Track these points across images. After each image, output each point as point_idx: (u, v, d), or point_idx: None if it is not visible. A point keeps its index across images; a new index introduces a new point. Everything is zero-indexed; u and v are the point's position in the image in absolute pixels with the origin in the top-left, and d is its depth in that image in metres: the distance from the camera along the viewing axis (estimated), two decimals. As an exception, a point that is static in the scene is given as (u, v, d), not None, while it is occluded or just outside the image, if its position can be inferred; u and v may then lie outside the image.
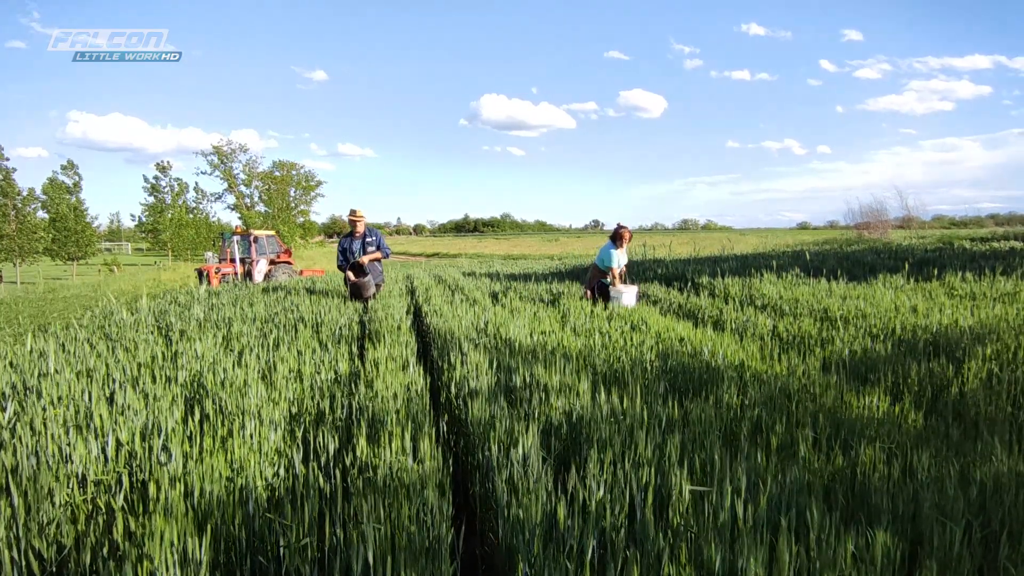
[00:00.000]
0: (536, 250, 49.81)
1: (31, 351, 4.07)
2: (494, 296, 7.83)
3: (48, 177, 34.19)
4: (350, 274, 7.00)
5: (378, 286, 7.20)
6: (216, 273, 15.80)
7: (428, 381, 3.51)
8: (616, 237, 6.72)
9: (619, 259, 6.72)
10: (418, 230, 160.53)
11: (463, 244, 73.61)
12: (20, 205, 27.62)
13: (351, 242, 7.09)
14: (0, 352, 4.11)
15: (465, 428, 2.93)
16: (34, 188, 30.08)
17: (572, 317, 5.68)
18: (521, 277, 11.75)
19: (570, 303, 6.88)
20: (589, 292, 6.92)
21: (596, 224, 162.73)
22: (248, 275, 16.62)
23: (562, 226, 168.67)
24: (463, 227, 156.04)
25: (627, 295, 6.56)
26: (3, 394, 3.19)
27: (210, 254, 26.58)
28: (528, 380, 3.34)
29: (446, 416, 3.41)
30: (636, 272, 10.75)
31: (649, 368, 3.87)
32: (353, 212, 6.97)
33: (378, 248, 7.13)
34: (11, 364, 3.75)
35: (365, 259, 6.93)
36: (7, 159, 27.60)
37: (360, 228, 7.01)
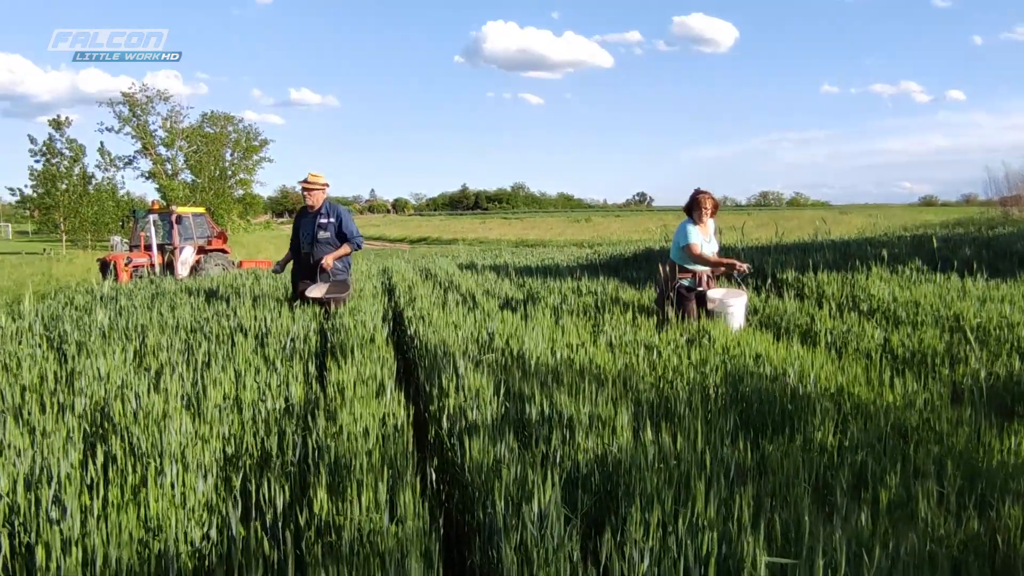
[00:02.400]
0: (559, 234, 49.87)
1: None
2: (507, 302, 7.82)
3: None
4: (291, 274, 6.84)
5: (337, 300, 6.63)
6: (126, 265, 15.98)
7: (411, 412, 3.52)
8: (693, 207, 6.27)
9: (701, 240, 6.20)
10: (399, 207, 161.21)
11: (460, 226, 73.86)
12: None
13: (301, 222, 6.86)
14: None
15: (461, 476, 2.93)
16: None
17: (607, 325, 5.68)
18: (538, 272, 11.76)
19: (606, 304, 6.88)
20: (663, 297, 6.33)
21: (642, 198, 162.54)
22: (169, 267, 16.79)
23: (595, 201, 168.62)
24: (460, 203, 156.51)
25: (735, 308, 5.97)
26: None
27: (117, 239, 26.89)
28: (547, 411, 3.34)
29: (435, 459, 3.41)
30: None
31: (713, 396, 3.85)
32: (305, 178, 6.71)
33: (340, 235, 6.71)
34: None
35: (328, 259, 6.59)
36: None
37: (314, 201, 6.69)
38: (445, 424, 3.42)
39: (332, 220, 6.72)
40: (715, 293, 6.19)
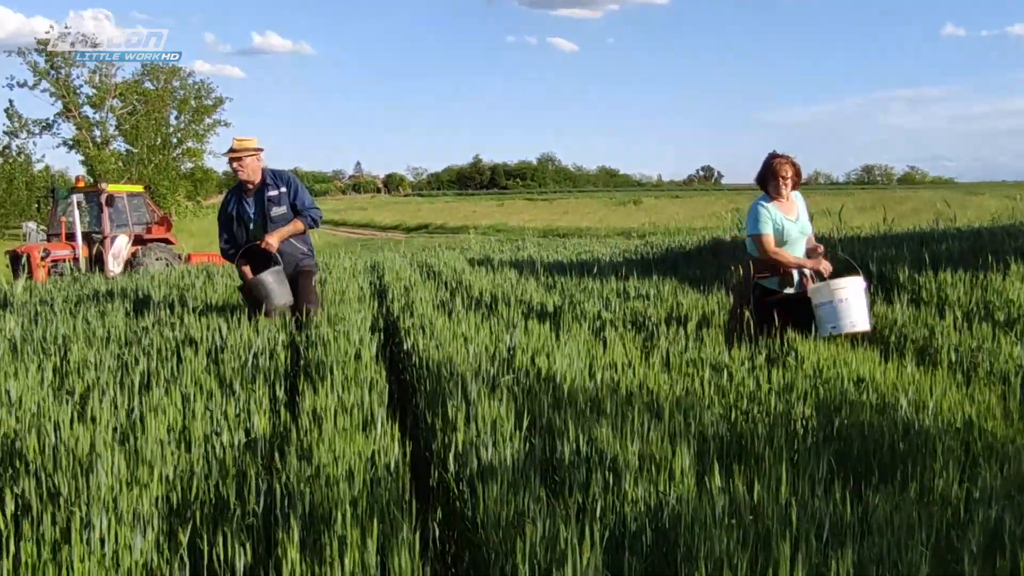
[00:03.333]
0: (600, 220, 49.96)
1: None
2: (532, 309, 7.83)
3: None
4: (246, 270, 6.53)
5: (302, 306, 6.42)
6: (42, 259, 16.16)
7: (408, 449, 3.54)
8: (768, 177, 5.97)
9: (781, 221, 5.90)
10: (393, 185, 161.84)
11: (472, 209, 74.13)
12: None
13: (238, 202, 6.64)
14: None
15: (472, 532, 2.94)
16: None
17: (662, 339, 5.67)
18: (573, 269, 11.77)
19: (657, 315, 6.86)
20: (741, 310, 6.01)
21: (708, 173, 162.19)
22: (97, 261, 16.96)
23: (646, 178, 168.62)
24: (472, 180, 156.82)
25: (848, 293, 5.57)
26: None
27: (32, 225, 27.11)
28: (584, 450, 3.34)
29: (439, 510, 3.42)
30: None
31: (800, 431, 3.83)
32: (233, 144, 6.49)
33: (294, 210, 6.57)
34: None
35: (273, 239, 6.35)
36: None
37: (250, 172, 6.48)
38: (452, 466, 3.43)
39: (283, 191, 6.56)
40: (820, 287, 5.74)
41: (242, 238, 6.58)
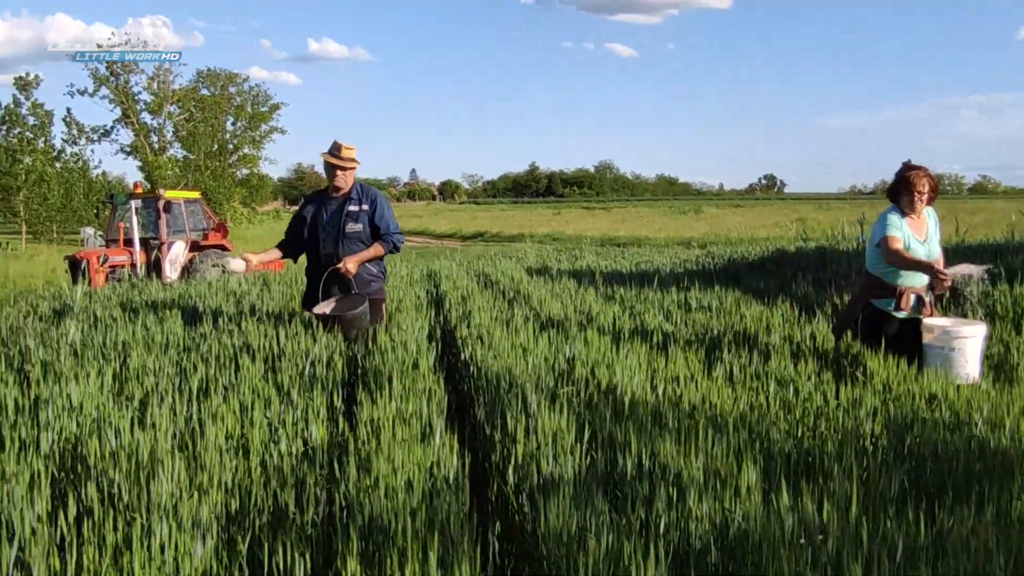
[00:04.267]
0: (659, 229, 49.59)
1: None
2: (590, 319, 7.81)
3: None
4: (267, 258, 6.50)
5: (355, 322, 6.05)
6: (101, 264, 16.46)
7: (468, 461, 3.54)
8: (901, 190, 5.64)
9: (909, 237, 5.58)
10: (447, 192, 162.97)
11: (528, 218, 74.08)
12: None
13: (319, 208, 6.42)
14: None
15: (532, 547, 2.94)
16: None
17: (725, 352, 5.63)
18: (633, 279, 11.72)
19: (720, 327, 6.81)
20: (850, 332, 5.82)
21: (770, 182, 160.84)
22: (155, 267, 17.24)
23: (706, 186, 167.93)
24: (528, 187, 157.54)
25: (968, 342, 5.28)
26: None
27: (90, 231, 27.69)
28: (647, 465, 3.33)
29: (497, 524, 3.43)
30: (845, 269, 10.49)
31: (870, 448, 3.79)
32: (336, 148, 6.30)
33: (374, 232, 6.32)
34: None
35: (351, 263, 6.14)
36: None
37: (343, 181, 6.32)
38: (511, 478, 3.43)
39: (365, 208, 6.31)
40: (937, 321, 5.52)
41: (312, 247, 6.42)
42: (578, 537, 2.70)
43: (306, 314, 6.44)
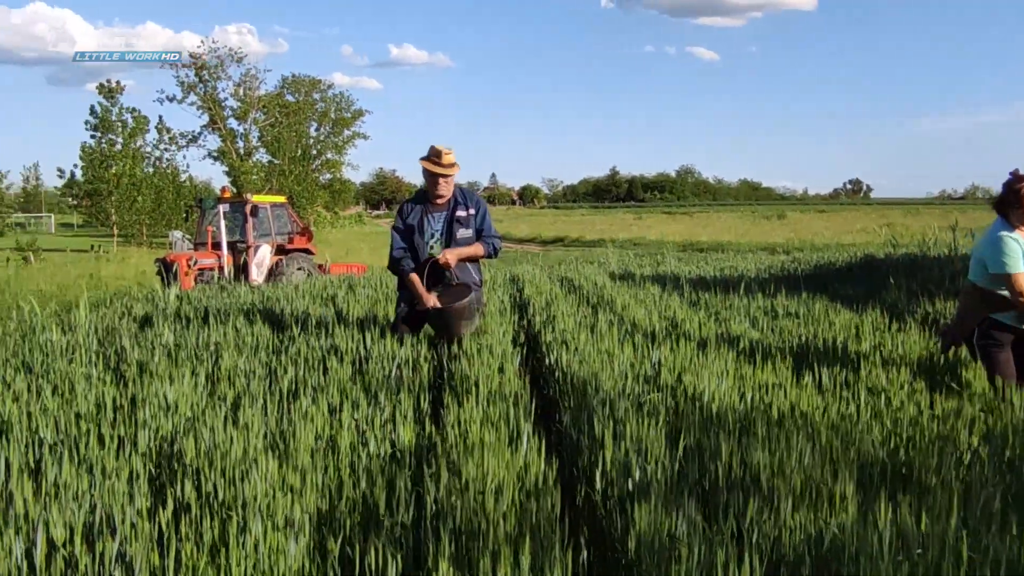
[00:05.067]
0: (742, 234, 48.96)
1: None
2: (676, 325, 7.75)
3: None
4: (421, 290, 5.97)
5: (459, 314, 5.91)
6: (191, 267, 16.85)
7: (556, 466, 3.55)
8: (1011, 202, 5.16)
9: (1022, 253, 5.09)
10: (527, 197, 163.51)
11: (608, 222, 73.96)
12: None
13: (422, 215, 6.16)
14: None
15: (622, 554, 2.94)
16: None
17: (815, 359, 5.56)
18: (717, 284, 11.61)
19: (808, 334, 6.71)
20: (957, 345, 5.58)
21: (855, 187, 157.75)
22: (242, 270, 17.59)
23: (789, 191, 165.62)
24: (608, 192, 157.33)
25: None
26: None
27: (178, 234, 28.39)
28: (737, 473, 3.30)
29: (585, 529, 3.43)
30: (937, 276, 10.25)
31: (965, 458, 3.71)
32: (436, 155, 6.03)
33: (477, 234, 6.20)
34: None
35: (451, 256, 5.90)
36: None
37: (445, 189, 6.12)
38: (599, 483, 3.44)
39: (472, 212, 6.20)
40: None
41: (416, 257, 6.11)
42: (669, 545, 2.69)
43: (404, 328, 6.22)
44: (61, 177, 51.87)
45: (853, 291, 10.51)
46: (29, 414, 4.21)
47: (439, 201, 6.15)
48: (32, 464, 3.62)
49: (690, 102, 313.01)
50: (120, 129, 46.83)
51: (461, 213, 6.12)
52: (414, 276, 6.02)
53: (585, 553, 3.03)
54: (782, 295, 9.34)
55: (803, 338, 6.62)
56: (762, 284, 11.42)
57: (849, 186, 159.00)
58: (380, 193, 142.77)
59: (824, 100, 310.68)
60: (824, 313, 8.07)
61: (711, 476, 3.36)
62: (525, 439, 3.73)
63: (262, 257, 17.82)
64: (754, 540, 2.82)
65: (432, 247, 6.09)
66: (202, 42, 48.54)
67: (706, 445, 3.66)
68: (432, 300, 5.96)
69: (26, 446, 3.76)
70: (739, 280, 11.85)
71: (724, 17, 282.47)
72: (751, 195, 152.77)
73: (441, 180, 6.05)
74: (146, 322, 7.41)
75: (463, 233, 6.11)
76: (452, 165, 6.05)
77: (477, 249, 6.15)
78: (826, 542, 2.73)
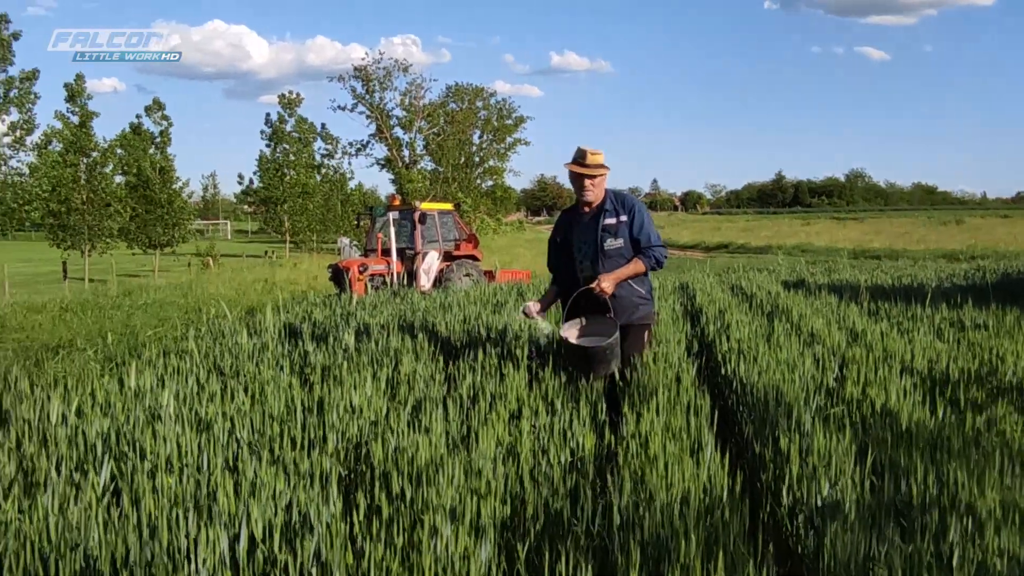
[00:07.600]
0: (917, 241, 47.17)
1: (127, 389, 4.91)
2: (856, 336, 7.52)
3: (130, 123, 40.81)
4: (537, 317, 5.71)
5: (628, 356, 5.35)
6: (362, 273, 17.38)
7: (741, 478, 3.52)
8: None
9: None
10: (690, 203, 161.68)
11: (774, 228, 72.43)
12: (95, 164, 33.05)
13: (571, 227, 5.73)
14: (87, 387, 5.03)
15: (813, 573, 2.89)
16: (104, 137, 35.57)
17: (1008, 374, 5.34)
18: (896, 294, 11.21)
19: (1000, 347, 6.41)
20: None
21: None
22: (411, 276, 18.04)
23: (967, 195, 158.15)
24: (774, 197, 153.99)
25: None
26: (95, 449, 3.90)
27: (346, 240, 29.34)
28: (934, 492, 3.20)
29: (770, 545, 3.39)
30: None
31: None
32: (581, 156, 5.50)
33: (634, 246, 5.52)
34: (104, 405, 4.57)
35: (607, 284, 5.28)
36: (88, 96, 32.87)
37: (593, 193, 5.54)
38: (785, 499, 3.39)
39: (624, 219, 5.49)
40: None
41: (568, 270, 5.69)
42: (863, 569, 2.64)
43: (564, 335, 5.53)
44: (240, 184, 54.67)
45: (1049, 302, 9.97)
46: (224, 413, 4.45)
47: (588, 209, 5.61)
48: (230, 461, 3.84)
49: (859, 104, 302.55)
50: (295, 139, 49.07)
51: (610, 221, 5.50)
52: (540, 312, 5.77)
53: (776, 570, 3.00)
54: (969, 306, 8.95)
55: (995, 351, 6.33)
56: (945, 294, 10.99)
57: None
58: (541, 199, 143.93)
59: (1004, 100, 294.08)
60: (1017, 324, 7.70)
61: (905, 495, 3.26)
62: (708, 450, 3.71)
63: (430, 264, 18.20)
64: (954, 563, 2.73)
65: (584, 267, 5.55)
66: (366, 54, 50.27)
67: (898, 462, 3.56)
68: (569, 333, 5.44)
69: (225, 443, 3.99)
70: (919, 289, 11.45)
71: (895, 15, 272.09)
72: (926, 199, 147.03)
73: (587, 182, 5.48)
74: (326, 327, 7.70)
75: (612, 244, 5.47)
76: (599, 167, 5.50)
77: (637, 267, 5.47)
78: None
